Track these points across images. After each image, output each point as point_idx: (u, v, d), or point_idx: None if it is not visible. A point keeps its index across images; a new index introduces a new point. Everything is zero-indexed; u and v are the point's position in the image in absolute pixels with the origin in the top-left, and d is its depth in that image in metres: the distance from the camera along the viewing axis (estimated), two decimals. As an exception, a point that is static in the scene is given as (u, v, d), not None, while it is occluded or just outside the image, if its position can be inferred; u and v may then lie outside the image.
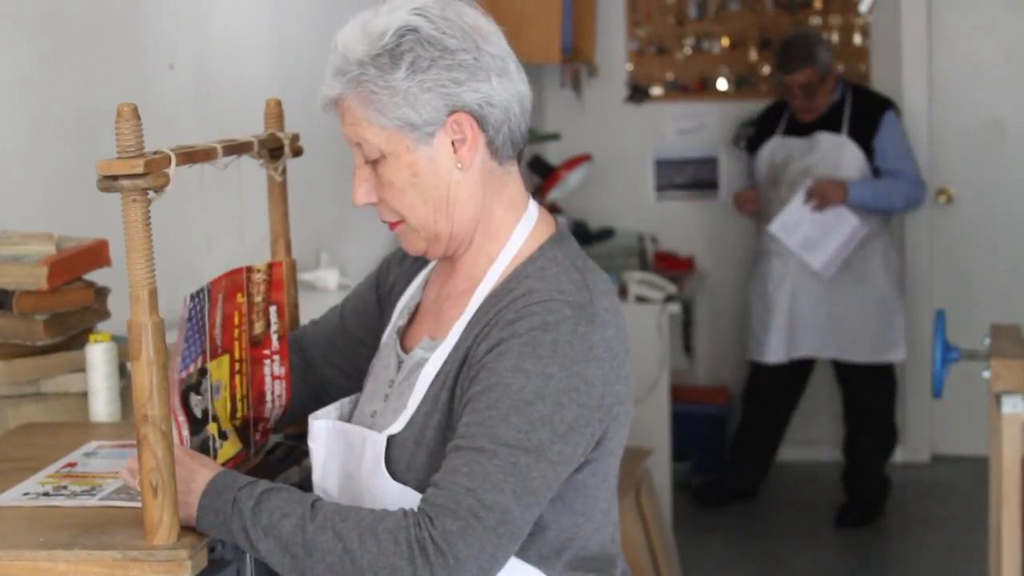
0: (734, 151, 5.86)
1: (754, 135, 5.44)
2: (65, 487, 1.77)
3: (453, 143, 1.65)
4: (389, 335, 1.84)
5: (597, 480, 1.67)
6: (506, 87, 1.65)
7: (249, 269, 1.84)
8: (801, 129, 5.20)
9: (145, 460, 1.54)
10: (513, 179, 1.73)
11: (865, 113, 5.11)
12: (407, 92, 1.61)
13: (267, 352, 1.90)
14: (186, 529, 1.59)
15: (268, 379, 1.91)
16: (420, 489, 1.62)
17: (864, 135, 5.08)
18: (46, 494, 1.75)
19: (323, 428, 1.77)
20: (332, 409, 1.82)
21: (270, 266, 1.88)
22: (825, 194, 5.01)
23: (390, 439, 1.68)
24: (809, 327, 5.18)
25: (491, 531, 1.50)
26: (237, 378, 1.85)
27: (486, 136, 1.66)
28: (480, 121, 1.64)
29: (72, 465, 1.87)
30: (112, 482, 1.78)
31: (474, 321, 1.66)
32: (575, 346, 1.57)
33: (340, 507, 1.56)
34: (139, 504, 1.58)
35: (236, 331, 1.82)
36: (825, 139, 5.13)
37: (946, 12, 5.65)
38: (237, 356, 1.84)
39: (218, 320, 1.77)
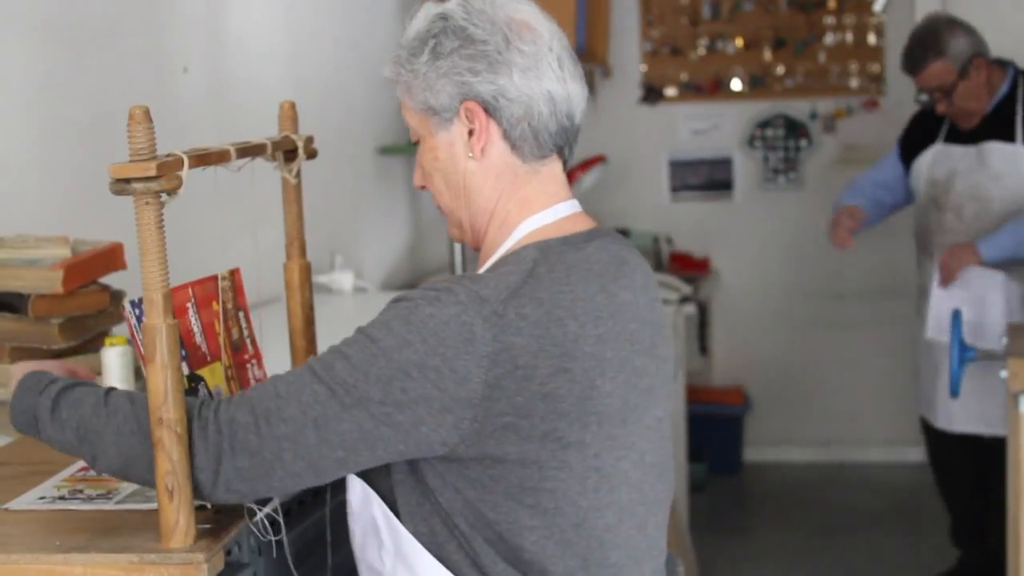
0: (750, 151, 5.83)
1: (907, 138, 4.31)
2: (81, 491, 1.78)
3: (470, 132, 1.66)
4: None
5: (509, 488, 1.55)
6: (530, 84, 1.63)
7: (218, 278, 1.86)
8: (966, 134, 4.08)
9: (160, 463, 1.54)
10: (539, 179, 1.69)
11: None
12: (426, 76, 1.65)
13: (247, 356, 1.92)
14: (203, 532, 1.59)
15: (252, 383, 1.94)
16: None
17: None
18: (62, 498, 1.75)
19: None
20: None
21: (232, 273, 1.91)
22: (950, 266, 3.94)
23: None
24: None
25: (270, 439, 1.52)
26: (232, 384, 1.87)
27: (500, 129, 1.65)
28: (493, 113, 1.64)
29: (87, 469, 1.87)
30: (127, 486, 1.78)
31: None
32: (452, 330, 1.51)
33: (132, 393, 1.63)
34: (155, 506, 1.58)
35: (219, 338, 1.84)
36: (995, 150, 4.00)
37: (960, 10, 5.61)
38: (226, 363, 1.86)
39: (196, 328, 1.78)
